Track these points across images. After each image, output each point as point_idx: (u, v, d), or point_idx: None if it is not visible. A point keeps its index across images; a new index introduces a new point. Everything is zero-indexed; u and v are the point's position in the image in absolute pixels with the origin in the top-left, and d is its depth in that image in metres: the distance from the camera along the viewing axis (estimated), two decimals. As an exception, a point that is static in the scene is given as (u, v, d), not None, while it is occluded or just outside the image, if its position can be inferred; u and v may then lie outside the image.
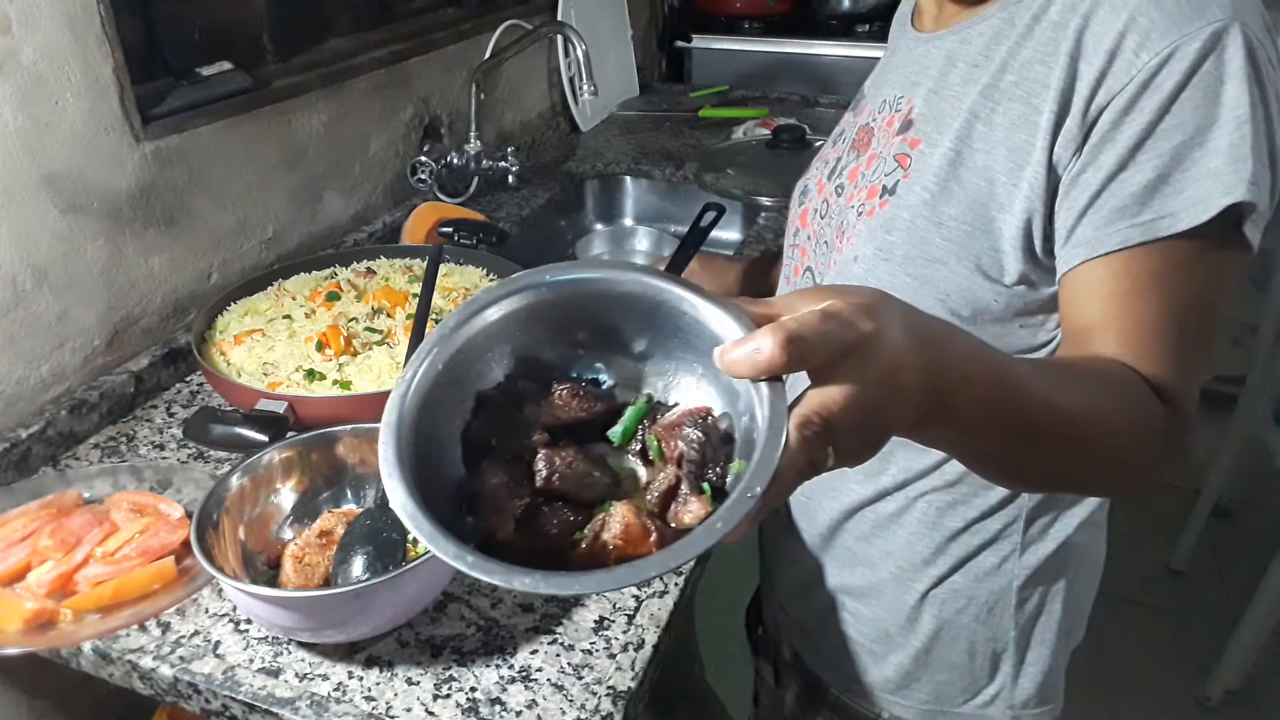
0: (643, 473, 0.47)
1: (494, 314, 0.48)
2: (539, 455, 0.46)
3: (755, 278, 1.14)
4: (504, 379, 0.49)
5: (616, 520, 0.43)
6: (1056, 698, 0.89)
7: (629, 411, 0.49)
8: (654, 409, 0.49)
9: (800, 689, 0.99)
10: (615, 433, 0.48)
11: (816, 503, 0.87)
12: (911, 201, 0.71)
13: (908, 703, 0.89)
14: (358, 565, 0.74)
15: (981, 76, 0.69)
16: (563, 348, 0.50)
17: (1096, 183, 0.62)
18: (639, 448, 0.48)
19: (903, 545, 0.82)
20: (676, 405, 0.48)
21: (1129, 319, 0.62)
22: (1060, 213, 0.64)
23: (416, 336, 0.88)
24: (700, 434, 0.45)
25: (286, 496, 0.83)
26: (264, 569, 0.79)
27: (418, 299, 0.96)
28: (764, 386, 0.42)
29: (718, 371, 0.44)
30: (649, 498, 0.45)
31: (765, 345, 0.40)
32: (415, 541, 0.81)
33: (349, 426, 0.85)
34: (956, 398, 0.48)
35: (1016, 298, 0.69)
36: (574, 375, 0.50)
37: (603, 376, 0.51)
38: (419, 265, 1.23)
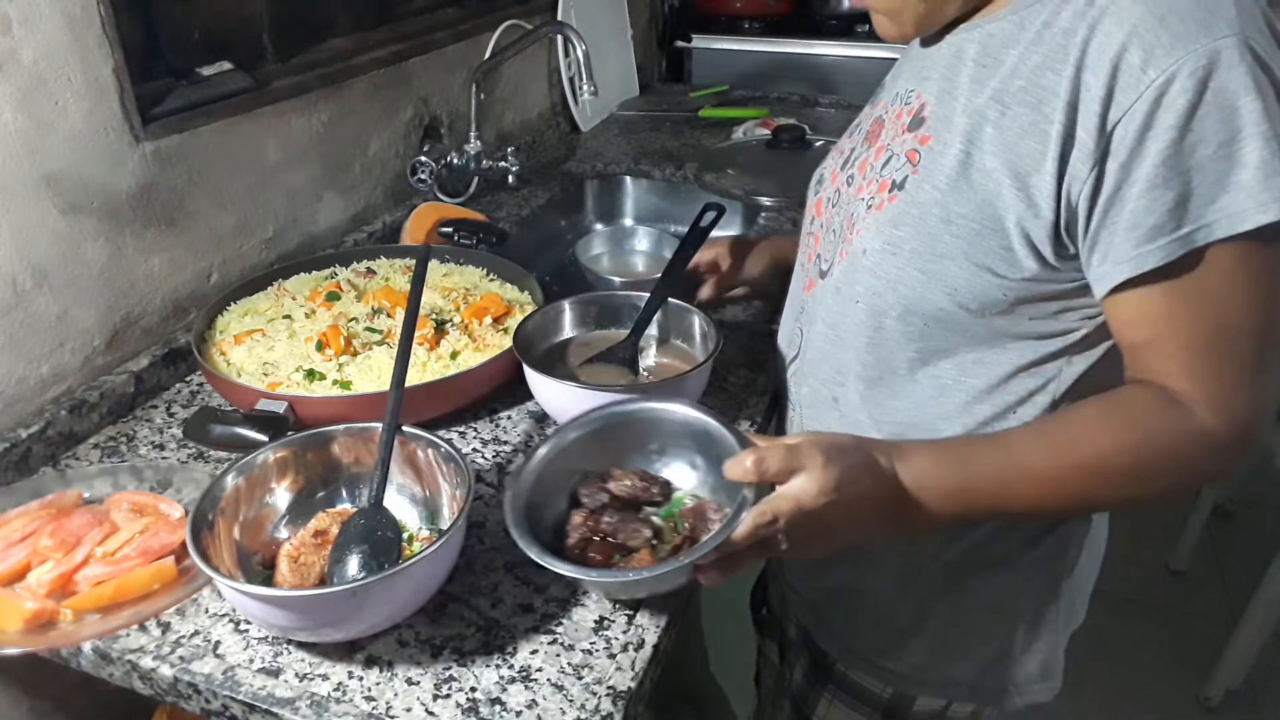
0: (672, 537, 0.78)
1: (594, 425, 0.83)
2: (602, 517, 0.78)
3: (780, 260, 1.13)
4: (602, 465, 0.83)
5: (636, 558, 0.75)
6: (1056, 675, 0.91)
7: (674, 498, 0.82)
8: (693, 500, 0.80)
9: (808, 665, 1.00)
10: (663, 510, 0.81)
11: None
12: (921, 199, 0.72)
13: (913, 679, 0.90)
14: (353, 564, 0.74)
15: (990, 79, 0.70)
16: (643, 450, 0.85)
17: (1132, 200, 0.63)
18: (674, 524, 0.79)
19: None
20: (703, 499, 0.80)
21: (1175, 338, 0.65)
22: (1100, 230, 0.65)
23: (406, 337, 0.88)
24: (708, 519, 0.76)
25: (282, 496, 0.83)
26: (260, 569, 0.79)
27: (419, 298, 0.96)
28: (746, 490, 0.68)
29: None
30: (663, 551, 0.76)
31: (746, 463, 0.67)
32: (410, 540, 0.82)
33: (343, 426, 0.85)
34: (917, 501, 0.69)
35: (1024, 291, 0.70)
36: (643, 469, 0.83)
37: (665, 471, 0.84)
38: (419, 265, 1.23)
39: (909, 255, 0.72)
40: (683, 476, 0.84)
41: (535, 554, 0.70)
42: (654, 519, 0.79)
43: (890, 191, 0.75)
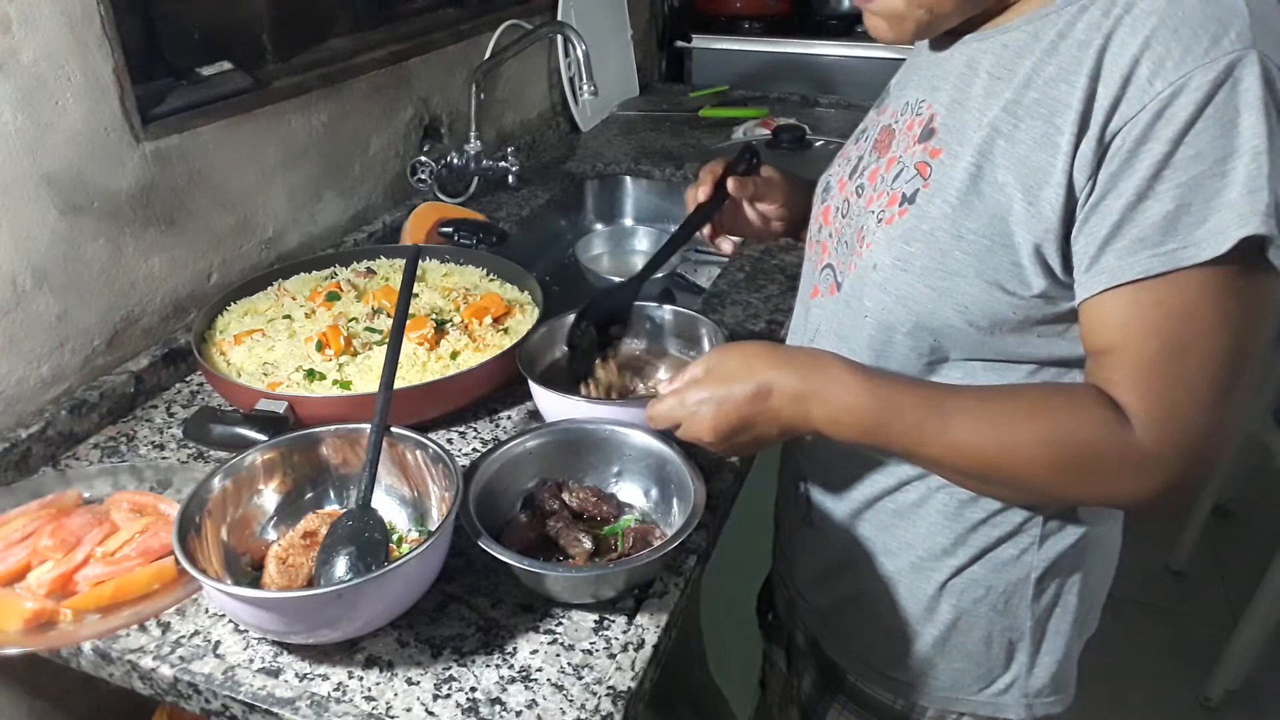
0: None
1: (559, 436, 0.88)
2: (549, 520, 0.83)
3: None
4: (562, 474, 0.88)
5: (571, 564, 0.79)
6: (1069, 687, 0.90)
7: (622, 519, 0.85)
8: (639, 523, 0.84)
9: (817, 675, 1.00)
10: (607, 528, 0.84)
11: (836, 493, 0.88)
12: (932, 213, 0.71)
13: (924, 690, 0.89)
14: (340, 566, 0.74)
15: (1004, 91, 0.69)
16: (604, 469, 0.89)
17: (1118, 211, 0.62)
18: (614, 542, 0.83)
19: (923, 535, 0.83)
20: (649, 524, 0.84)
21: (1129, 350, 0.64)
22: (1080, 238, 0.65)
23: (395, 339, 0.88)
24: (650, 543, 0.79)
25: (269, 498, 0.83)
26: (249, 570, 0.79)
27: (408, 300, 0.96)
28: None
29: (675, 499, 0.84)
30: (599, 559, 0.80)
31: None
32: (399, 542, 0.83)
33: (332, 427, 0.85)
34: (824, 421, 0.73)
35: (1034, 309, 0.70)
36: (599, 487, 0.88)
37: (621, 493, 0.88)
38: (420, 265, 1.23)
39: (919, 272, 0.72)
40: (636, 500, 0.87)
41: (483, 542, 0.74)
42: (597, 534, 0.82)
43: (901, 205, 0.74)
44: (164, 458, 0.98)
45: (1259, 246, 0.60)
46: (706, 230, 1.04)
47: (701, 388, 0.76)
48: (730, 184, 1.00)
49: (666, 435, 0.85)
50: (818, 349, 0.78)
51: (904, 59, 0.88)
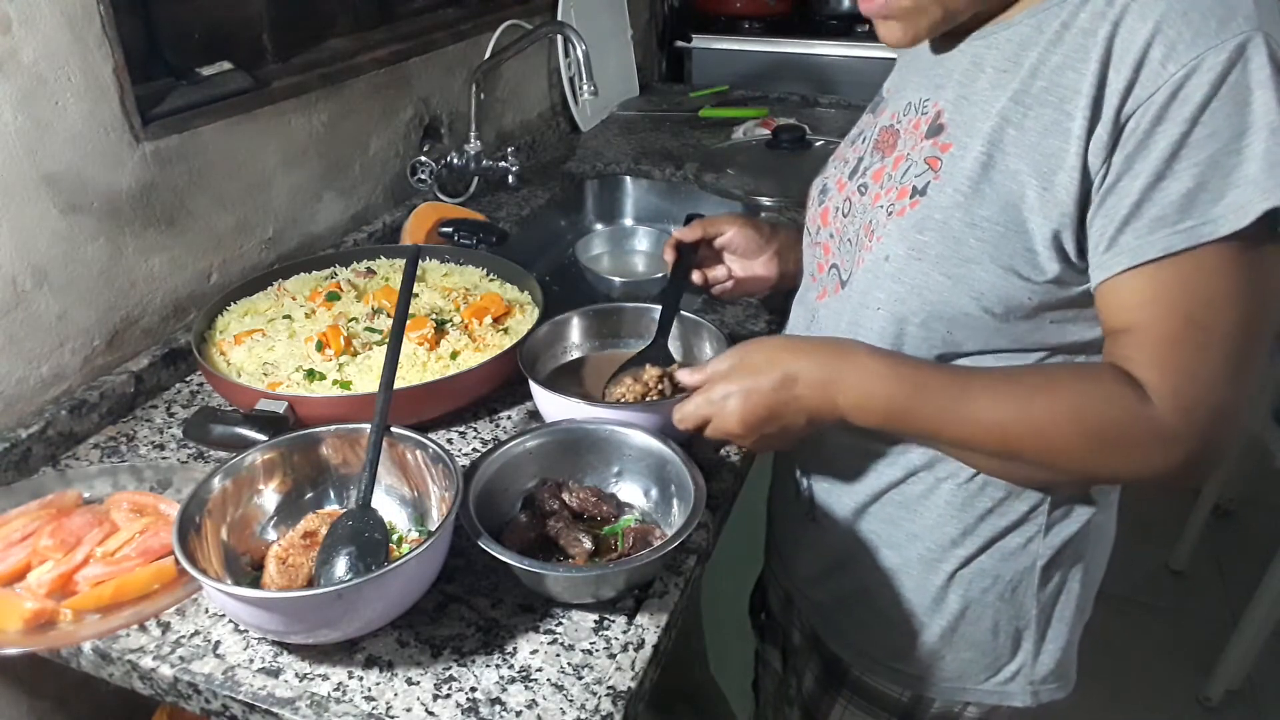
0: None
1: (559, 436, 0.88)
2: (549, 520, 0.82)
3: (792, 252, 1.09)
4: (562, 474, 0.87)
5: (572, 564, 0.79)
6: (1070, 673, 0.91)
7: (622, 519, 0.85)
8: (639, 523, 0.83)
9: (820, 671, 1.00)
10: (607, 528, 0.84)
11: (841, 488, 0.88)
12: (943, 203, 0.72)
13: (931, 681, 0.89)
14: (340, 566, 0.74)
15: (1011, 82, 0.70)
16: (604, 469, 0.88)
17: (1136, 191, 0.63)
18: (614, 542, 0.82)
19: (930, 527, 0.83)
20: (649, 524, 0.83)
21: (1150, 329, 0.65)
22: (1098, 219, 0.66)
23: (395, 339, 0.88)
24: (650, 543, 0.78)
25: (269, 498, 0.83)
26: (249, 570, 0.79)
27: (408, 300, 0.96)
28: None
29: (675, 499, 0.83)
30: (599, 559, 0.80)
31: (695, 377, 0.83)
32: (399, 542, 0.83)
33: (332, 427, 0.85)
34: (849, 407, 0.74)
35: (1049, 294, 0.70)
36: (599, 487, 0.87)
37: (621, 493, 0.88)
38: (420, 265, 1.23)
39: (934, 260, 0.72)
40: (636, 500, 0.88)
41: (483, 542, 0.74)
42: (597, 534, 0.83)
43: (912, 197, 0.75)
44: (164, 458, 0.98)
45: (1272, 222, 0.61)
46: (698, 278, 1.07)
47: (727, 382, 0.77)
48: (683, 234, 1.06)
49: (666, 435, 0.85)
50: (841, 337, 0.78)
51: None
